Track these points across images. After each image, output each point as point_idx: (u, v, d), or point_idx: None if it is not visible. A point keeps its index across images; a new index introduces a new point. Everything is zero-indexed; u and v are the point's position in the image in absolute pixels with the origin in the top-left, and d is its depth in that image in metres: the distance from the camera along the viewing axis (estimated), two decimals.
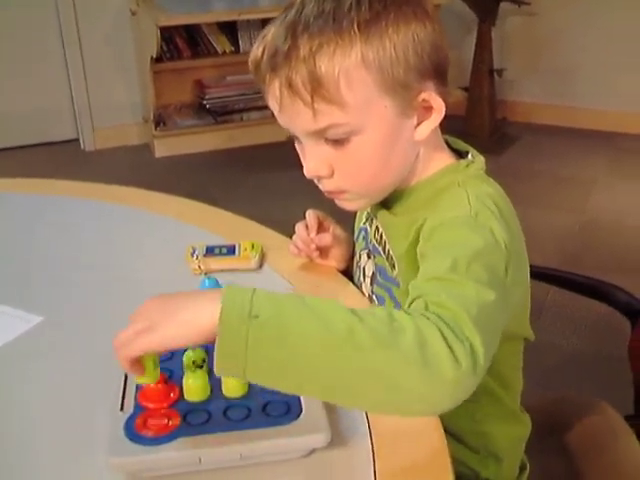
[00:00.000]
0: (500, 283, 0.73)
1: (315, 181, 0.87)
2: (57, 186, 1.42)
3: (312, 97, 0.77)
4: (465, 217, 0.78)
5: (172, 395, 0.74)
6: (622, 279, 1.30)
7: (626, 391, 1.16)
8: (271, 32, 0.81)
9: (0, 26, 3.49)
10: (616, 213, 2.96)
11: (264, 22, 3.89)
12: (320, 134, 0.81)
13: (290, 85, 0.78)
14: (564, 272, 1.31)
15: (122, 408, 0.73)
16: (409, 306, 0.70)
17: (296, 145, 0.87)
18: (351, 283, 1.02)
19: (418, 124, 0.83)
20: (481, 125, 3.58)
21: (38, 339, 0.94)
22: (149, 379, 0.69)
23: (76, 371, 0.87)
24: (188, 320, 0.64)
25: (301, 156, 0.86)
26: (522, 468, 1.00)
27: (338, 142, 0.81)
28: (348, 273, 1.06)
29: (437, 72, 0.82)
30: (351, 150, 0.82)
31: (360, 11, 0.77)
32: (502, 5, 3.51)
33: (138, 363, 0.67)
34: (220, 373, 0.63)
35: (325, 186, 0.86)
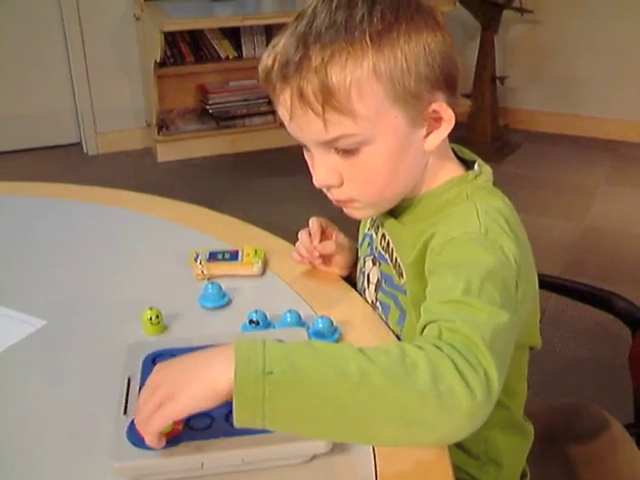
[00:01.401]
0: (512, 300, 0.73)
1: (324, 190, 0.87)
2: (60, 190, 1.42)
3: (323, 107, 0.77)
4: (475, 234, 0.78)
5: None
6: (623, 287, 1.30)
7: (626, 399, 1.16)
8: (282, 42, 0.81)
9: (4, 30, 3.50)
10: (618, 221, 2.96)
11: (267, 28, 3.90)
12: (330, 144, 0.81)
13: (301, 95, 0.78)
14: (565, 280, 1.31)
15: (125, 412, 0.73)
16: (422, 330, 0.71)
17: (305, 154, 0.87)
18: (354, 290, 1.02)
19: (428, 134, 0.83)
20: (483, 132, 3.58)
21: (42, 342, 0.94)
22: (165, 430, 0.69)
23: (79, 375, 0.88)
24: (206, 387, 0.64)
25: (310, 165, 0.87)
26: (523, 476, 1.00)
27: (348, 152, 0.81)
28: (351, 280, 1.06)
29: (447, 82, 0.82)
30: (361, 160, 0.82)
31: (372, 22, 0.77)
32: (505, 13, 3.52)
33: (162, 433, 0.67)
34: (241, 426, 0.63)
35: (334, 195, 0.87)
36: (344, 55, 0.77)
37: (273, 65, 0.81)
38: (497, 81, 3.63)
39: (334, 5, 0.79)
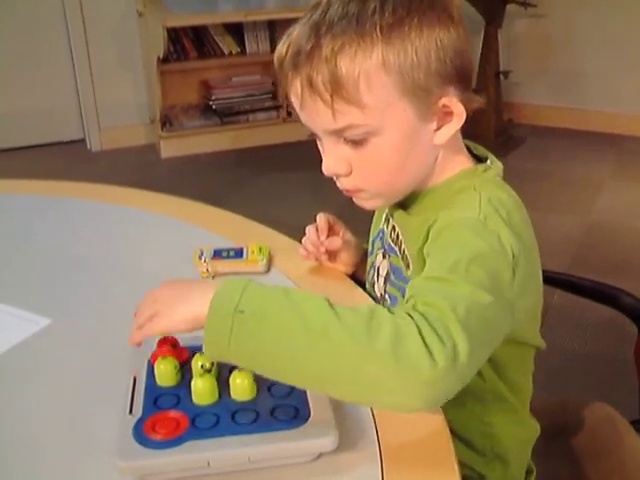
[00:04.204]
0: (501, 289, 0.73)
1: (334, 178, 0.88)
2: (63, 187, 1.42)
3: (332, 97, 0.78)
4: (473, 220, 0.78)
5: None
6: (629, 282, 1.30)
7: (631, 394, 1.15)
8: (296, 31, 0.82)
9: (7, 27, 3.50)
10: (623, 216, 2.95)
11: (270, 23, 3.90)
12: (339, 134, 0.82)
13: (311, 84, 0.79)
14: (570, 275, 1.30)
15: (131, 411, 0.73)
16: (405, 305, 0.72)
17: (318, 142, 0.88)
18: (359, 287, 1.02)
19: (438, 128, 0.84)
20: (487, 127, 3.57)
21: (46, 341, 0.94)
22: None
23: (84, 373, 0.88)
24: (189, 313, 0.70)
25: (322, 153, 0.87)
26: (529, 472, 1.00)
27: (356, 142, 0.82)
28: (355, 278, 1.06)
29: (459, 77, 0.83)
30: (369, 151, 0.82)
31: (383, 15, 0.78)
32: (509, 7, 3.51)
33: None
34: (209, 355, 0.69)
35: (343, 184, 0.87)
36: (354, 46, 0.77)
37: (286, 53, 0.82)
38: (501, 76, 3.62)
39: None
